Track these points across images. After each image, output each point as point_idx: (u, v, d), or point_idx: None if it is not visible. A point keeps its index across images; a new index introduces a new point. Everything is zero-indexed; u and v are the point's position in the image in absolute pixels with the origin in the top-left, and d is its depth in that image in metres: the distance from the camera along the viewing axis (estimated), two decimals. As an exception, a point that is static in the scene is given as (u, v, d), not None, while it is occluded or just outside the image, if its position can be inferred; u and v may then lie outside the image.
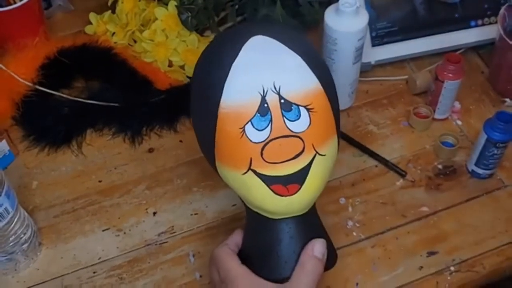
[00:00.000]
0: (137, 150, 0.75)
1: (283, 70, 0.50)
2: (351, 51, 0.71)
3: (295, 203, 0.52)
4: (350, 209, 0.68)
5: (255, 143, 0.50)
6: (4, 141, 0.72)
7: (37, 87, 0.75)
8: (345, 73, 0.74)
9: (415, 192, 0.69)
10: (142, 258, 0.65)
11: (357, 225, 0.67)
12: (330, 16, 0.70)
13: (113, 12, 0.83)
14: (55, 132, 0.75)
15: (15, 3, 0.78)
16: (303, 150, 0.51)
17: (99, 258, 0.65)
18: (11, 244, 0.61)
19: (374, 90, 0.81)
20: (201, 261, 0.64)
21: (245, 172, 0.51)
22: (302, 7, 0.80)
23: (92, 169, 0.73)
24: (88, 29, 0.85)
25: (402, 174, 0.71)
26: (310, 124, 0.51)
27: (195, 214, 0.68)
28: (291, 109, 0.50)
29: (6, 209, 0.59)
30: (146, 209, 0.69)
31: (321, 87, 0.52)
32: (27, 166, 0.73)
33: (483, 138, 0.66)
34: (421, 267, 0.63)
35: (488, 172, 0.69)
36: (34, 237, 0.64)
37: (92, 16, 0.84)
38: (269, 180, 0.51)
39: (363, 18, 0.70)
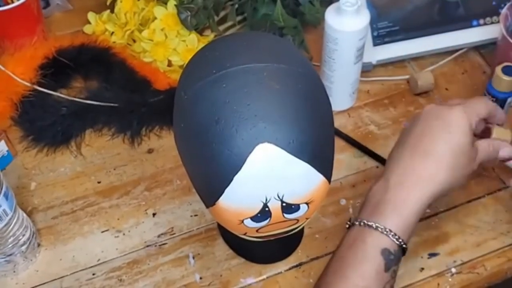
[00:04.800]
0: (136, 150, 0.74)
1: (288, 181, 0.48)
2: (352, 51, 0.71)
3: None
4: (350, 210, 0.68)
5: (252, 227, 0.52)
6: (2, 141, 0.71)
7: (36, 87, 0.74)
8: (346, 73, 0.73)
9: (416, 193, 0.69)
10: (141, 259, 0.65)
11: (358, 226, 0.66)
12: (331, 15, 0.69)
13: (112, 11, 0.82)
14: (53, 132, 0.74)
15: (13, 2, 0.77)
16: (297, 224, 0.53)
17: (98, 260, 0.65)
18: (9, 245, 0.61)
19: (375, 90, 0.80)
20: (201, 263, 0.64)
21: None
22: (302, 6, 0.80)
23: (91, 170, 0.72)
24: (87, 29, 0.84)
25: (403, 174, 0.70)
26: (307, 209, 0.51)
27: (195, 215, 0.68)
28: (292, 208, 0.50)
29: (4, 210, 0.58)
30: (146, 210, 0.69)
31: (324, 178, 0.50)
32: (25, 167, 0.73)
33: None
34: (422, 268, 0.63)
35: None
36: (33, 238, 0.64)
37: (90, 16, 0.83)
38: (261, 237, 0.55)
39: (364, 18, 0.69)
